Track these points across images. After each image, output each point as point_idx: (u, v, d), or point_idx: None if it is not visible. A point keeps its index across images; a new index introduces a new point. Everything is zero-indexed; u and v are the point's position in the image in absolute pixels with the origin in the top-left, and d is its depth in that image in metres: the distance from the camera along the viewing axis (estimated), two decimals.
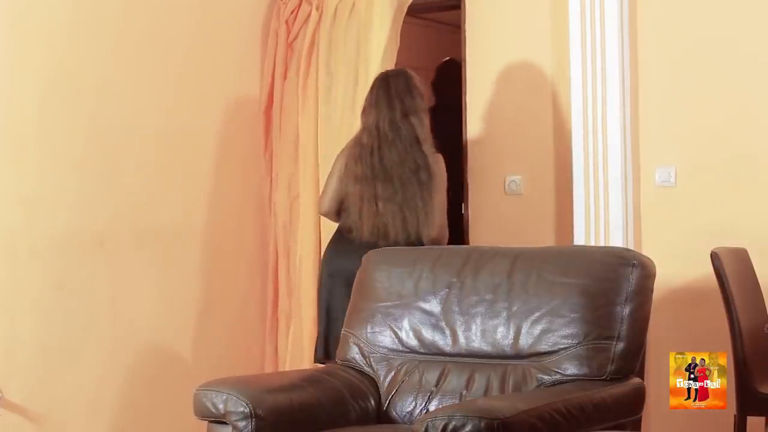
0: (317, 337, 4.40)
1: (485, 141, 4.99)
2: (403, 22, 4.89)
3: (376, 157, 4.22)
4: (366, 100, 4.36)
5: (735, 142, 4.49)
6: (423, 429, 2.87)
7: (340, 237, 4.34)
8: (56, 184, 4.35)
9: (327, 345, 4.29)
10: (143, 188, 4.66)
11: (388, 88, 4.27)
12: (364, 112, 4.33)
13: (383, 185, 4.21)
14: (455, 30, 5.25)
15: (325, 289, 4.34)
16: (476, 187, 4.98)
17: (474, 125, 5.03)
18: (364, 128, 4.31)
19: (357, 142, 4.31)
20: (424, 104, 4.28)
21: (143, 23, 4.68)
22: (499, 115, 4.96)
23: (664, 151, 4.61)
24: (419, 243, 4.18)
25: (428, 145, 4.20)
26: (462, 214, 5.09)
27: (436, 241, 4.19)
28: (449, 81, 5.50)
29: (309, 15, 5.06)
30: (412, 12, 5.02)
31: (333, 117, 4.89)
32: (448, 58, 5.66)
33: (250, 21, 5.16)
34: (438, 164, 4.22)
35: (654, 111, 4.62)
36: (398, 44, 4.82)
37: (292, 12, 5.10)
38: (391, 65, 4.78)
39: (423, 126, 4.21)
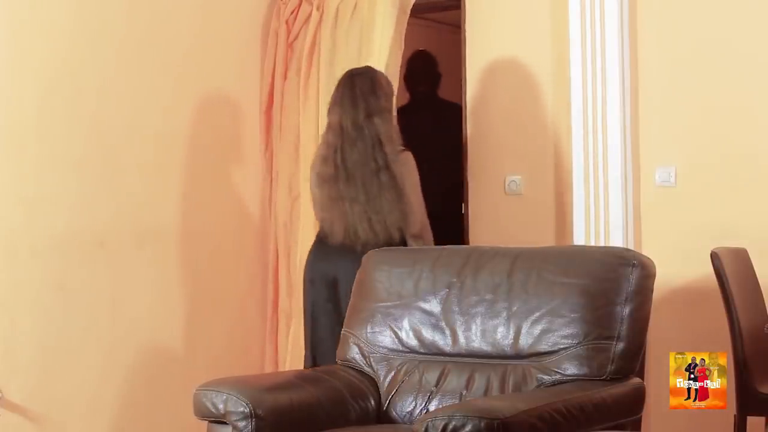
0: (305, 345, 4.40)
1: (485, 141, 4.99)
2: None
3: (339, 157, 4.19)
4: (332, 97, 4.32)
5: (735, 142, 4.49)
6: (423, 429, 2.87)
7: (318, 241, 4.32)
8: (56, 184, 4.35)
9: (314, 352, 4.28)
10: (143, 188, 4.66)
11: (353, 87, 4.23)
12: (330, 110, 4.29)
13: (346, 185, 4.17)
14: (455, 30, 5.25)
15: (308, 297, 4.34)
16: (476, 187, 4.98)
17: (474, 125, 5.03)
18: (330, 127, 4.27)
19: (324, 141, 4.29)
20: (390, 104, 4.24)
21: (143, 23, 4.68)
22: (499, 116, 4.96)
23: (664, 151, 4.61)
24: (389, 244, 4.12)
25: (392, 146, 4.15)
26: (462, 214, 5.10)
27: (419, 238, 4.17)
28: (419, 75, 5.49)
29: (309, 15, 5.06)
30: (412, 12, 5.02)
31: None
32: (417, 50, 5.62)
33: (250, 21, 5.16)
34: (405, 164, 4.17)
35: (654, 111, 4.62)
36: (402, 46, 4.82)
37: (292, 12, 5.10)
38: (396, 67, 4.78)
39: (386, 126, 4.15)
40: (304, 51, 5.01)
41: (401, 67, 4.93)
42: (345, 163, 4.17)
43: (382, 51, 4.78)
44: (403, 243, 4.19)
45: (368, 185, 4.14)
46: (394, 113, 4.53)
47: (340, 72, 4.85)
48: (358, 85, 4.22)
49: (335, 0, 5.00)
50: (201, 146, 4.91)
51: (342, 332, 3.84)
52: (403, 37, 4.84)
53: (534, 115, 4.88)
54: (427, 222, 4.23)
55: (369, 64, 4.73)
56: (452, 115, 5.14)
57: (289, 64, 5.10)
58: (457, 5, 5.09)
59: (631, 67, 4.61)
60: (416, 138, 5.00)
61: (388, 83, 4.32)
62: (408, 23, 4.96)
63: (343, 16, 4.95)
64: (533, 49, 4.88)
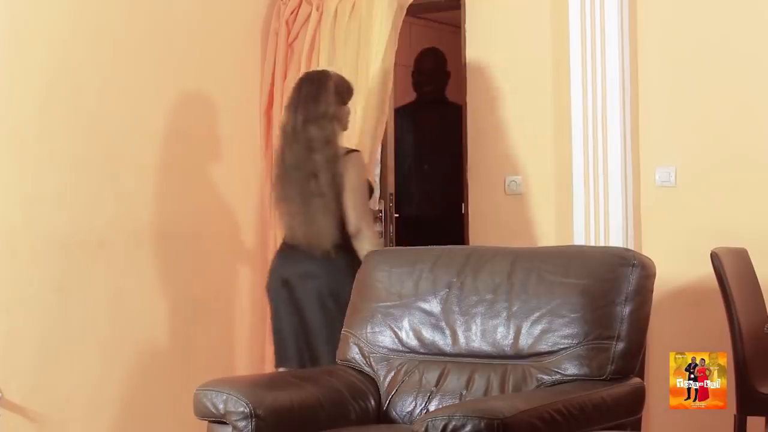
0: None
1: (485, 141, 4.99)
2: (403, 22, 4.89)
3: (280, 160, 4.29)
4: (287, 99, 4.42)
5: (735, 142, 4.49)
6: (423, 429, 2.87)
7: (281, 244, 4.42)
8: (56, 184, 4.35)
9: (279, 355, 4.31)
10: (143, 188, 4.66)
11: (299, 92, 4.30)
12: (283, 112, 4.40)
13: (285, 188, 4.26)
14: (455, 30, 5.25)
15: (271, 304, 4.40)
16: (476, 187, 4.98)
17: (474, 125, 5.03)
18: (280, 129, 4.37)
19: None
20: (333, 109, 4.23)
21: (143, 23, 4.68)
22: (499, 115, 4.96)
23: (664, 151, 4.61)
24: (322, 249, 4.20)
25: (326, 152, 4.17)
26: (462, 214, 5.10)
27: (355, 236, 4.19)
28: (426, 75, 5.50)
29: (309, 15, 5.05)
30: (412, 12, 5.02)
31: None
32: (427, 47, 5.63)
33: (250, 21, 5.16)
34: (348, 163, 4.18)
35: (654, 111, 4.63)
36: (396, 45, 4.82)
37: (292, 12, 5.10)
38: (390, 66, 4.78)
39: (322, 132, 4.18)
40: (304, 51, 5.01)
41: (412, 63, 5.00)
42: (284, 166, 4.26)
43: (379, 50, 4.78)
44: (345, 242, 4.22)
45: (302, 190, 4.21)
46: (387, 111, 4.71)
47: (340, 72, 4.86)
48: (304, 90, 4.29)
49: (334, 0, 5.01)
50: (201, 146, 4.91)
51: (342, 332, 3.84)
52: (398, 35, 4.84)
53: (534, 115, 4.88)
54: (366, 220, 4.22)
55: (366, 63, 4.74)
56: (458, 117, 5.14)
57: (289, 65, 5.09)
58: (457, 5, 5.10)
59: (631, 67, 4.61)
60: (419, 138, 5.03)
61: (344, 89, 4.29)
62: (408, 23, 4.96)
63: (342, 15, 4.96)
64: (533, 49, 4.88)
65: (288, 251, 4.32)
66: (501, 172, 4.94)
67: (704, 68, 4.55)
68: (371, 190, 4.44)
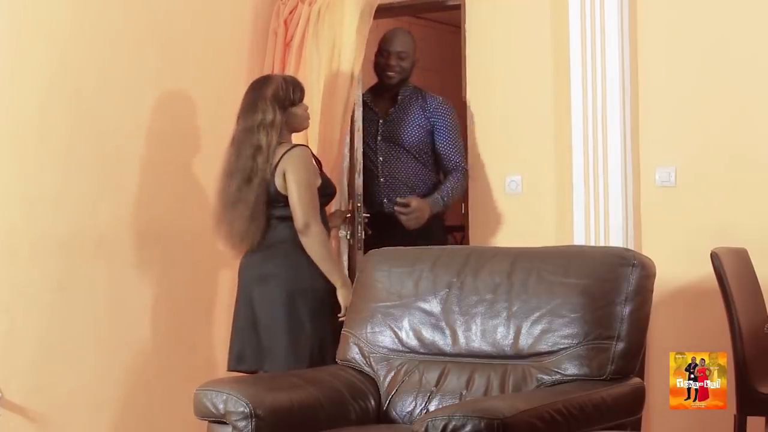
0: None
1: (485, 141, 4.99)
2: (403, 22, 4.90)
3: (227, 163, 4.32)
4: None
5: (735, 142, 4.49)
6: (423, 429, 2.87)
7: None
8: (56, 184, 4.35)
9: (233, 355, 4.31)
10: (143, 188, 4.66)
11: (243, 100, 4.34)
12: None
13: (219, 195, 4.31)
14: (455, 30, 5.25)
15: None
16: (476, 187, 4.98)
17: (474, 125, 5.03)
18: None
19: None
20: (270, 117, 4.22)
21: (143, 23, 4.68)
22: (499, 115, 4.96)
23: (664, 151, 4.61)
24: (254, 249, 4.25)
25: (258, 161, 4.18)
26: (462, 214, 5.09)
27: (303, 233, 4.18)
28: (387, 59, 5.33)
29: (302, 14, 5.06)
30: (412, 12, 5.03)
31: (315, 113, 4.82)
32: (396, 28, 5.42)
33: (250, 21, 5.16)
34: (292, 159, 4.18)
35: (654, 111, 4.63)
36: (364, 45, 4.82)
37: (290, 12, 5.10)
38: (359, 63, 4.78)
39: (257, 140, 4.20)
40: (294, 49, 5.01)
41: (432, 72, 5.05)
42: (223, 174, 4.30)
43: (348, 49, 4.79)
44: (291, 240, 4.23)
45: (232, 196, 4.23)
46: (355, 102, 4.82)
47: (321, 71, 4.86)
48: (245, 99, 4.33)
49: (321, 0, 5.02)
50: (201, 146, 4.91)
51: (342, 332, 3.84)
52: (366, 34, 4.84)
53: (534, 115, 4.88)
54: (314, 216, 4.19)
55: (339, 62, 4.80)
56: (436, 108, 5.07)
57: (286, 64, 5.09)
58: (457, 5, 5.10)
59: (631, 67, 4.61)
60: (377, 129, 4.98)
61: (286, 93, 4.27)
62: (408, 23, 4.97)
63: (322, 14, 4.97)
64: (533, 49, 4.89)
65: (246, 256, 4.32)
66: (501, 172, 4.94)
67: (704, 68, 4.55)
68: (332, 190, 4.42)
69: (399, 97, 4.98)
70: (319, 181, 4.26)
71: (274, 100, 4.24)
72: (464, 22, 5.05)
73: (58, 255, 4.33)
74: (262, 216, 4.21)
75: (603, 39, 4.59)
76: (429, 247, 4.14)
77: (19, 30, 4.24)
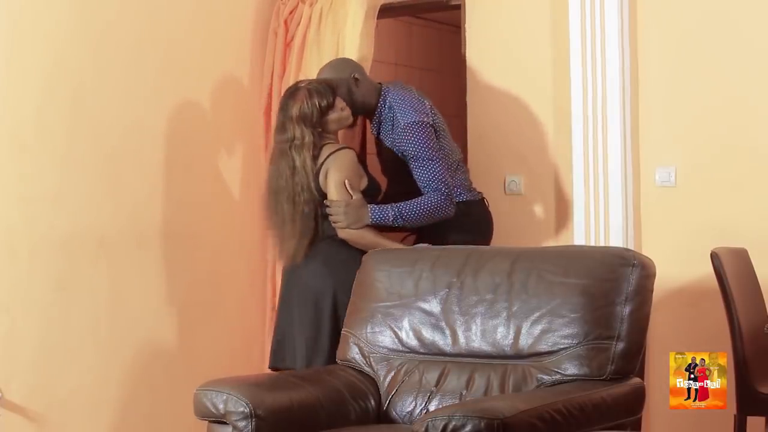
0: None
1: (485, 141, 4.99)
2: (403, 22, 4.89)
3: (266, 182, 4.35)
4: None
5: (735, 142, 4.49)
6: (423, 429, 2.87)
7: None
8: (56, 184, 4.35)
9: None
10: (143, 188, 4.66)
11: (277, 116, 4.35)
12: None
13: (267, 210, 4.33)
14: (455, 30, 5.24)
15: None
16: (476, 187, 4.98)
17: (474, 125, 5.02)
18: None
19: None
20: (300, 136, 4.22)
21: (143, 23, 4.68)
22: (499, 115, 4.96)
23: (664, 151, 4.61)
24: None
25: (296, 180, 4.20)
26: None
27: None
28: None
29: (303, 14, 5.06)
30: (412, 12, 5.03)
31: None
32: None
33: (250, 21, 5.16)
34: (333, 162, 4.20)
35: (654, 111, 4.63)
36: (372, 47, 4.81)
37: (291, 12, 5.10)
38: (367, 63, 4.78)
39: (290, 162, 4.21)
40: (295, 50, 5.01)
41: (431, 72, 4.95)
42: (267, 189, 4.32)
43: (352, 51, 4.79)
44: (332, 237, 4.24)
45: (280, 214, 4.25)
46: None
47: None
48: (278, 116, 4.33)
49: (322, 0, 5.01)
50: (201, 146, 4.91)
51: (342, 332, 3.84)
52: (372, 35, 4.83)
53: (534, 115, 4.88)
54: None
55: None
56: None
57: (287, 65, 5.09)
58: (457, 5, 5.10)
59: (631, 67, 4.61)
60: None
61: (313, 107, 4.23)
62: (408, 23, 4.96)
63: (324, 15, 4.97)
64: (533, 49, 4.88)
65: (289, 269, 4.32)
66: (501, 172, 4.94)
67: (704, 68, 4.55)
68: (376, 190, 4.41)
69: (373, 132, 4.61)
70: (365, 183, 4.28)
71: (300, 120, 4.23)
72: (464, 22, 5.05)
73: (58, 255, 4.33)
74: (310, 232, 4.23)
75: (603, 39, 4.59)
76: (428, 247, 4.14)
77: (18, 30, 4.24)
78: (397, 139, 4.38)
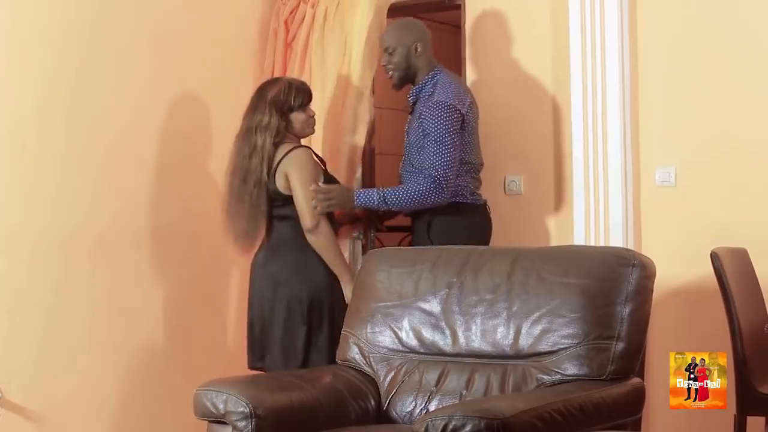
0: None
1: (485, 141, 4.98)
2: None
3: (228, 165, 4.38)
4: None
5: (735, 141, 4.49)
6: (423, 429, 2.87)
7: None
8: (56, 184, 4.35)
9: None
10: (144, 188, 4.66)
11: (250, 99, 4.39)
12: None
13: (227, 191, 4.36)
14: (455, 30, 5.24)
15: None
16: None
17: None
18: None
19: None
20: (267, 119, 4.27)
21: (143, 23, 4.68)
22: (499, 115, 4.96)
23: (664, 151, 4.61)
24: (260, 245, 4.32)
25: (253, 162, 4.24)
26: None
27: (311, 232, 4.22)
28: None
29: (305, 15, 5.06)
30: (412, 12, 5.02)
31: (319, 119, 4.83)
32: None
33: (250, 21, 5.16)
34: (293, 161, 4.23)
35: (654, 111, 4.63)
36: (379, 47, 4.81)
37: (291, 12, 5.10)
38: (374, 63, 4.78)
39: (254, 142, 4.26)
40: (298, 51, 5.01)
41: None
42: (232, 166, 4.34)
43: (359, 51, 4.78)
44: (301, 244, 4.26)
45: (234, 194, 4.30)
46: (370, 110, 4.81)
47: (329, 73, 4.85)
48: (251, 100, 4.38)
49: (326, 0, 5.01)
50: (201, 146, 4.91)
51: (342, 332, 3.84)
52: (380, 35, 4.83)
53: (534, 115, 4.88)
54: (321, 216, 4.23)
55: (349, 64, 4.79)
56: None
57: (288, 65, 5.09)
58: (457, 5, 5.09)
59: (631, 67, 4.61)
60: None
61: (287, 97, 4.30)
62: None
63: (330, 16, 4.97)
64: (533, 49, 4.88)
65: (255, 255, 4.38)
66: (501, 172, 4.94)
67: (704, 68, 4.55)
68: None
69: (409, 99, 4.61)
70: (322, 180, 4.29)
71: (273, 104, 4.30)
72: (464, 22, 5.05)
73: (58, 255, 4.33)
74: (261, 216, 4.27)
75: (603, 39, 4.59)
76: (429, 247, 4.14)
77: (19, 30, 4.24)
78: (425, 112, 4.38)
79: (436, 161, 4.30)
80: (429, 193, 4.29)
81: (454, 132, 4.33)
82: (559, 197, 4.81)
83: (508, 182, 4.93)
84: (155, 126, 4.71)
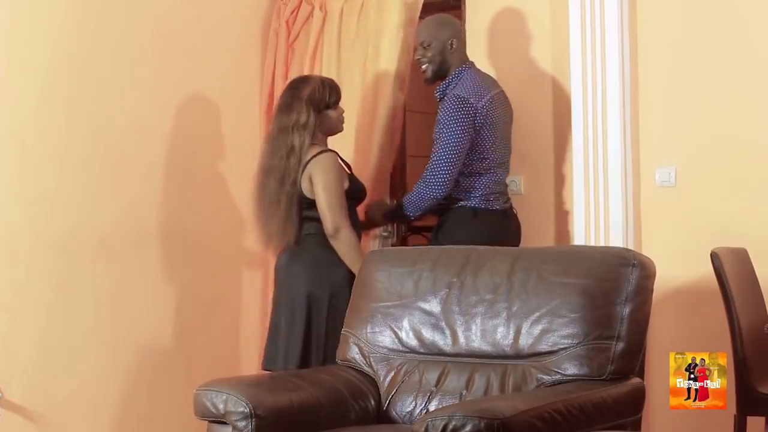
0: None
1: None
2: None
3: (259, 164, 4.38)
4: None
5: (735, 142, 4.49)
6: (423, 429, 2.87)
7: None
8: (57, 183, 4.35)
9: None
10: (144, 188, 4.66)
11: (279, 100, 4.39)
12: None
13: (257, 190, 4.35)
14: None
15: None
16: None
17: None
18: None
19: None
20: (304, 118, 4.26)
21: (144, 23, 4.68)
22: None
23: (664, 151, 4.61)
24: (289, 249, 4.29)
25: (290, 162, 4.23)
26: None
27: (333, 237, 4.21)
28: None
29: (309, 15, 5.05)
30: None
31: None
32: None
33: (251, 21, 5.16)
34: (319, 165, 4.22)
35: (654, 111, 4.62)
36: (411, 51, 4.80)
37: (292, 12, 5.10)
38: (406, 70, 4.80)
39: (290, 141, 4.24)
40: (308, 52, 5.00)
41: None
42: (260, 170, 4.35)
43: (391, 56, 4.78)
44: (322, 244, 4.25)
45: (267, 194, 4.28)
46: (401, 116, 4.78)
47: (345, 73, 4.85)
48: (282, 99, 4.37)
49: (338, 1, 5.00)
50: (201, 146, 4.92)
51: (342, 332, 3.84)
52: (411, 39, 4.84)
53: (534, 115, 4.88)
54: (342, 220, 4.22)
55: (375, 66, 4.78)
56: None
57: (289, 65, 5.09)
58: (457, 5, 5.09)
59: (631, 67, 4.61)
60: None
61: (322, 95, 4.30)
62: None
63: (349, 16, 4.94)
64: (533, 49, 4.88)
65: (280, 255, 4.36)
66: None
67: (704, 68, 4.55)
68: (361, 193, 4.42)
69: (437, 94, 4.58)
70: (347, 184, 4.29)
71: (309, 102, 4.28)
72: (464, 22, 5.05)
73: (58, 255, 4.34)
74: (296, 216, 4.26)
75: (603, 39, 4.59)
76: (429, 247, 4.14)
77: (19, 29, 4.24)
78: (441, 105, 4.45)
79: (437, 152, 4.36)
80: (423, 194, 4.39)
81: (459, 122, 4.36)
82: (559, 197, 4.81)
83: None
84: (156, 126, 4.71)
